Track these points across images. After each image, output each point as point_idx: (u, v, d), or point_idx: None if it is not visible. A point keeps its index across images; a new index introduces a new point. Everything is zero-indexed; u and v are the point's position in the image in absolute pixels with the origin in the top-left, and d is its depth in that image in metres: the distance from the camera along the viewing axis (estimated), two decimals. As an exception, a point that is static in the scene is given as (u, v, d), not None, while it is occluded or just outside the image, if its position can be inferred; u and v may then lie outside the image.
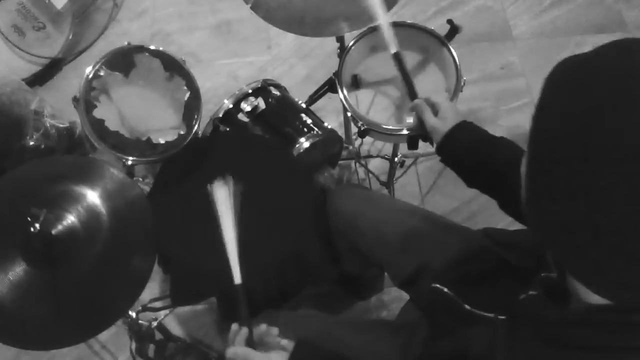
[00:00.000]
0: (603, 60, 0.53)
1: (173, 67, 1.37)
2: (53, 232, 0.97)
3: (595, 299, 0.56)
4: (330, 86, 1.42)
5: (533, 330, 0.63)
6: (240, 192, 0.99)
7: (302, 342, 0.88)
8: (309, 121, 1.44)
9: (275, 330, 0.88)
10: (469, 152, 0.97)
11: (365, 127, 1.24)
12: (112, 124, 1.30)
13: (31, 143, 1.72)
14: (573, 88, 0.53)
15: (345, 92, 1.27)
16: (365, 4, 1.12)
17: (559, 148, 0.52)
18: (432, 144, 1.08)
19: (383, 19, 1.13)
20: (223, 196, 0.96)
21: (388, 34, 1.12)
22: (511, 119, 1.97)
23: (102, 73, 1.30)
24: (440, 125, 1.01)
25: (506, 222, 1.72)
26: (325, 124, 1.46)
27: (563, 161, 0.51)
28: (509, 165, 0.90)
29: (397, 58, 1.14)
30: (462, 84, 1.25)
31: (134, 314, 1.38)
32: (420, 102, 1.07)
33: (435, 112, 1.05)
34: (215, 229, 0.96)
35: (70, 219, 0.99)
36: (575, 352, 0.58)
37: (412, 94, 1.14)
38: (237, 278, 0.93)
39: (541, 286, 0.68)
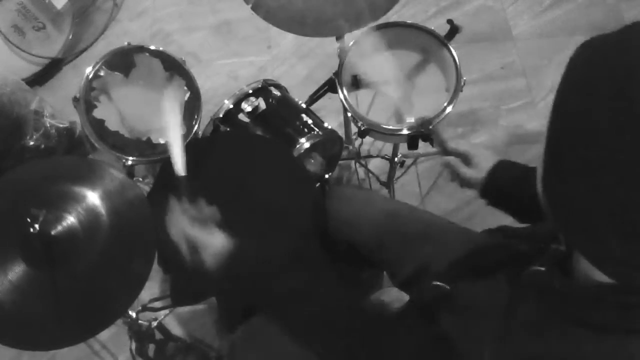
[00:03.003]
0: (626, 42, 0.52)
1: (173, 67, 1.37)
2: (52, 232, 0.97)
3: (599, 275, 0.57)
4: (330, 86, 1.42)
5: (536, 301, 0.63)
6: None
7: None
8: (309, 121, 1.44)
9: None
10: (513, 189, 0.96)
11: (365, 127, 1.24)
12: (112, 124, 1.30)
13: (31, 143, 1.72)
14: (596, 70, 0.52)
15: (345, 92, 1.27)
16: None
17: (574, 131, 0.52)
18: (432, 144, 1.07)
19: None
20: (175, 100, 0.98)
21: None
22: (511, 119, 1.97)
23: (102, 73, 1.30)
24: (477, 174, 1.01)
25: (506, 223, 1.74)
26: (326, 124, 1.46)
27: (579, 143, 0.52)
28: None
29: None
30: (462, 84, 1.25)
31: (134, 314, 1.37)
32: (451, 160, 1.06)
33: (467, 162, 1.03)
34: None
35: (70, 219, 0.99)
36: (572, 329, 0.58)
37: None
38: (181, 171, 0.95)
39: (549, 260, 0.68)
